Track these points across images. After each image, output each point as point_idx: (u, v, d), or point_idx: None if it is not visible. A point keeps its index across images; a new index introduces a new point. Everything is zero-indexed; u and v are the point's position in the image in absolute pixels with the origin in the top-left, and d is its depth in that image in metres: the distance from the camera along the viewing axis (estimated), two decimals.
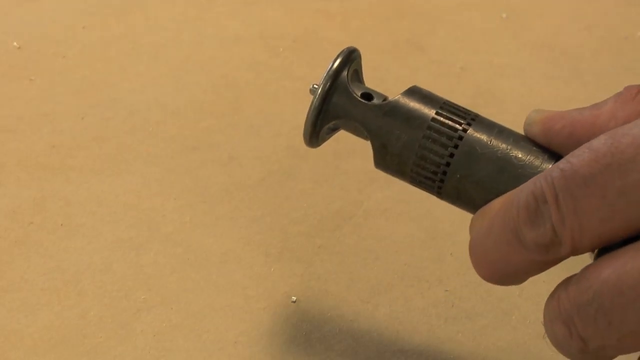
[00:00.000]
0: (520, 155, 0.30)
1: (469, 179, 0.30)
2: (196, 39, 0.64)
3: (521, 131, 0.31)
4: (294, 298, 0.42)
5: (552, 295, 0.26)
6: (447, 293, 0.42)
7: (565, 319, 0.25)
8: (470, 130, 0.31)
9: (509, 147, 0.30)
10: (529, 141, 0.30)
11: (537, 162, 0.30)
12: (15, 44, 0.62)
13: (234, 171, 0.50)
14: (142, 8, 0.68)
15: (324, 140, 0.35)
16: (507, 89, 0.59)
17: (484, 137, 0.31)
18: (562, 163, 0.25)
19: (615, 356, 0.25)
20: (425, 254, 0.45)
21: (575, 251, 0.25)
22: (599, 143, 0.25)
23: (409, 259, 0.44)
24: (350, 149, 0.51)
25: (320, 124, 0.34)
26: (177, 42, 0.64)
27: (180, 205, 0.48)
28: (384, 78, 0.59)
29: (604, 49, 0.65)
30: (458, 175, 0.31)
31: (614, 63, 0.63)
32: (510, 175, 0.30)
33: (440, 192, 0.32)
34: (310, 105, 0.33)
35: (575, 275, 0.26)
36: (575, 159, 0.25)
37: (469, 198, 0.31)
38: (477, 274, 0.29)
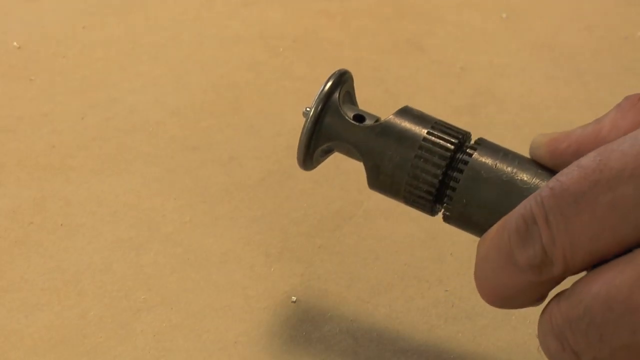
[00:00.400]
0: (525, 178, 0.30)
1: (474, 203, 0.30)
2: (196, 39, 0.64)
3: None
4: (294, 298, 0.42)
5: (545, 309, 0.26)
6: (447, 293, 0.42)
7: (557, 333, 0.25)
8: (475, 155, 0.31)
9: (514, 170, 0.30)
10: (533, 163, 0.30)
11: (542, 184, 0.29)
12: (15, 44, 0.62)
13: (234, 171, 0.50)
14: (142, 8, 0.68)
15: (318, 162, 0.35)
16: (507, 89, 0.59)
17: (489, 161, 0.30)
18: (551, 182, 0.25)
19: None
20: (425, 254, 0.45)
21: (568, 270, 0.25)
22: (588, 160, 0.25)
23: (409, 259, 0.44)
24: None
25: (314, 146, 0.34)
26: (177, 42, 0.64)
27: (180, 205, 0.48)
28: (384, 78, 0.59)
29: (604, 49, 0.65)
30: (464, 201, 0.30)
31: (614, 63, 0.63)
32: (515, 199, 0.29)
33: (434, 213, 0.32)
34: (303, 128, 0.33)
35: (567, 289, 0.26)
36: (564, 177, 0.25)
37: (474, 222, 0.31)
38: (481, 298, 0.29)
